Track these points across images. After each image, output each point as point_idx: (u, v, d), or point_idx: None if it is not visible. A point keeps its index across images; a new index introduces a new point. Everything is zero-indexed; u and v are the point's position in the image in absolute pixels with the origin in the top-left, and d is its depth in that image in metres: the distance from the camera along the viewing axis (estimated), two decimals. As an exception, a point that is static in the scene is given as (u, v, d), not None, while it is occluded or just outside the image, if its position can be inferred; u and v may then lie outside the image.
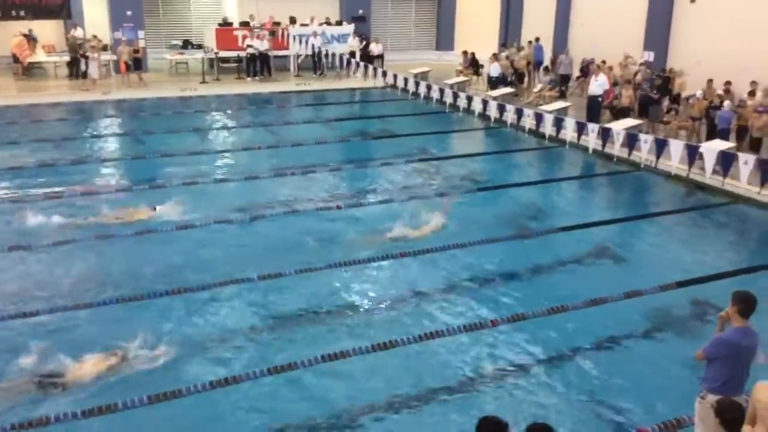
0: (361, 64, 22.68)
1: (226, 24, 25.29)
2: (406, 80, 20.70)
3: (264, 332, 8.08)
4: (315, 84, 23.88)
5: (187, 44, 26.78)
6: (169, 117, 19.17)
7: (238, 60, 24.56)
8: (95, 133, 17.95)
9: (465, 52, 24.30)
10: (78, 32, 23.16)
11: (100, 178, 14.00)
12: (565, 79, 21.48)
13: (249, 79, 23.93)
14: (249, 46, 23.78)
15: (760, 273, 9.92)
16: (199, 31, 26.79)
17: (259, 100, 21.93)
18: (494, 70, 22.13)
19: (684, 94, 17.66)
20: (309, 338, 7.95)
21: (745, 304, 5.30)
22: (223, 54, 24.13)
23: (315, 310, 8.60)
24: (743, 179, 12.06)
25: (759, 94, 15.74)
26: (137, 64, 22.51)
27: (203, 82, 23.22)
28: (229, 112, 20.63)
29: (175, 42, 27.02)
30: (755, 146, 14.77)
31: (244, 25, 24.94)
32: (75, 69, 22.71)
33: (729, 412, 4.40)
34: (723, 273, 9.71)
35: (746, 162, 11.95)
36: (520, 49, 23.81)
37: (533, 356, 7.67)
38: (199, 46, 25.94)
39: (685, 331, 8.31)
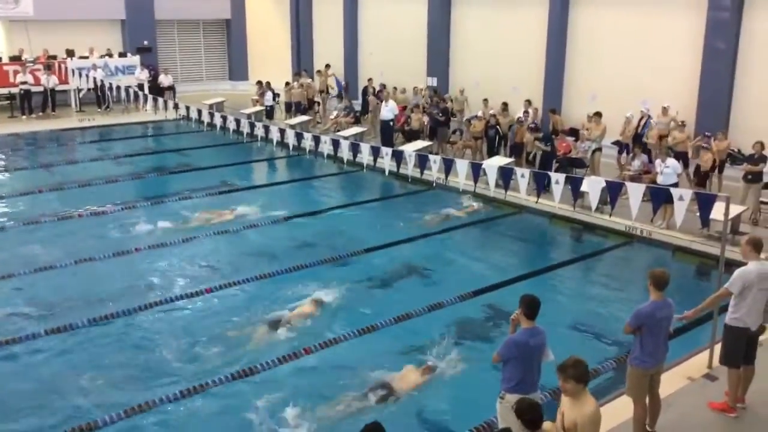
0: (150, 96, 21.74)
1: (-8, 58, 23.13)
2: (200, 112, 20.13)
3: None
4: (100, 119, 22.49)
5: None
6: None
7: (10, 97, 22.45)
8: None
9: (260, 82, 24.22)
10: None
11: None
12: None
13: (24, 117, 21.96)
14: (22, 82, 21.87)
15: (546, 275, 10.95)
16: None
17: (38, 139, 20.16)
18: (268, 98, 22.63)
19: (466, 116, 18.99)
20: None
21: (530, 306, 5.74)
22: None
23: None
24: (523, 191, 13.18)
25: (531, 112, 17.42)
26: None
27: (-31, 122, 20.97)
28: (1, 154, 18.69)
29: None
30: (532, 161, 16.24)
31: (15, 59, 22.91)
32: None
33: (528, 413, 4.70)
34: (513, 278, 10.56)
35: (523, 175, 13.07)
36: (311, 77, 24.25)
37: (350, 379, 7.73)
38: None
39: (485, 336, 8.88)
